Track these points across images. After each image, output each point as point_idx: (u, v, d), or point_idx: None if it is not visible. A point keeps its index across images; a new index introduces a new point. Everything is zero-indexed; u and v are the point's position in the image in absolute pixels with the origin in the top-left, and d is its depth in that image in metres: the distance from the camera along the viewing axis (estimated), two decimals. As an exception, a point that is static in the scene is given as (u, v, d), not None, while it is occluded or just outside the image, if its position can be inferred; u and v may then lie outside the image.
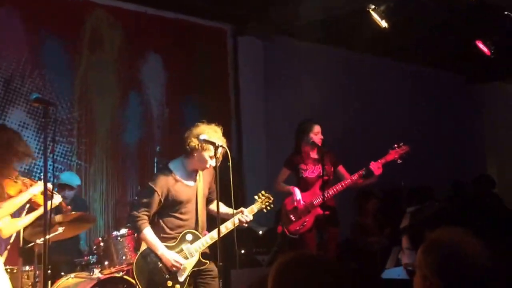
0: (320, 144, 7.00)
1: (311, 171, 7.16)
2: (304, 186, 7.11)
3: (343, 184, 6.91)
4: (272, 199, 5.77)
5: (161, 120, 9.19)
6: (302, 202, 6.96)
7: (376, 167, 6.78)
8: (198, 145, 5.34)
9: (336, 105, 10.27)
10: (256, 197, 5.76)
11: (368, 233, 8.99)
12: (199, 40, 9.50)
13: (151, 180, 5.56)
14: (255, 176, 9.55)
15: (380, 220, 9.22)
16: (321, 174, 6.87)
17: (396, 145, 6.94)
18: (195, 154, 5.43)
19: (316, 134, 7.04)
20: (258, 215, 5.84)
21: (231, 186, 4.96)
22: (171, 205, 5.53)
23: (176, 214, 5.55)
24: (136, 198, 7.18)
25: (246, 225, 5.65)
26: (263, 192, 5.79)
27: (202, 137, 5.23)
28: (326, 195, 6.71)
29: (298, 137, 7.21)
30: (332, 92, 10.02)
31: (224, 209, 5.54)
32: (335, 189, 6.90)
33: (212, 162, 5.35)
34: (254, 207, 5.72)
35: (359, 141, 10.31)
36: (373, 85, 11.10)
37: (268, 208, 5.76)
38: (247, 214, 5.62)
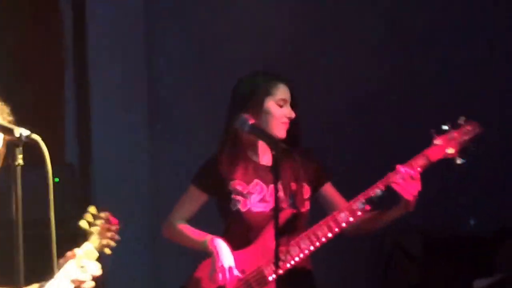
0: (284, 134, 3.74)
1: (258, 197, 3.85)
2: (242, 233, 3.84)
3: (331, 224, 3.70)
4: (114, 220, 2.95)
5: None
6: (236, 272, 3.75)
7: (403, 177, 3.58)
8: None
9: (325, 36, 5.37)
10: (82, 223, 2.89)
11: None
12: None
13: None
14: (119, 200, 5.01)
15: None
16: (278, 205, 3.43)
17: (449, 125, 3.72)
18: None
19: (282, 104, 3.78)
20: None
21: (50, 221, 2.43)
22: None
23: None
24: None
25: None
26: (92, 209, 2.91)
27: None
28: (292, 255, 3.65)
29: (230, 112, 3.81)
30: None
31: None
32: (313, 241, 3.71)
33: None
34: (83, 253, 2.80)
35: (374, 122, 5.51)
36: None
37: (112, 243, 2.91)
38: (80, 271, 2.72)
